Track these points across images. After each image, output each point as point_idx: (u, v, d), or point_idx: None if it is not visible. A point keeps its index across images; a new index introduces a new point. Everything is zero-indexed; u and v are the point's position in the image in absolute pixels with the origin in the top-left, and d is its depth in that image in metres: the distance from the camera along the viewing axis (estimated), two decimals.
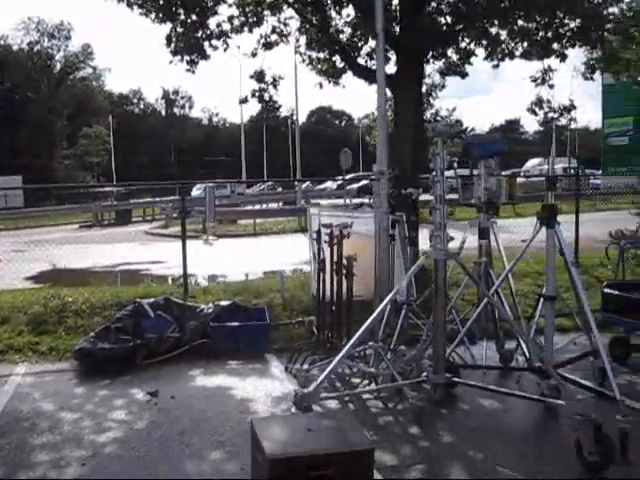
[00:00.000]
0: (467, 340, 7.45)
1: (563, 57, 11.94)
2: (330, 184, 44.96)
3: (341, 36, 12.06)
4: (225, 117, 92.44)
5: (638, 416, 6.12)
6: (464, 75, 14.62)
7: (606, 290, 8.04)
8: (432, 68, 15.42)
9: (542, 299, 6.43)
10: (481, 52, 13.03)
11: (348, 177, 29.03)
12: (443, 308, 5.79)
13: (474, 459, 5.37)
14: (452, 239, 5.77)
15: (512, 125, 70.14)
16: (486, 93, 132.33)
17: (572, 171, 37.22)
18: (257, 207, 33.33)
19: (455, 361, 7.44)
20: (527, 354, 6.63)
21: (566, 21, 11.79)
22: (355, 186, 29.77)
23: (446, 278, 5.88)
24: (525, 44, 12.00)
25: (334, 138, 71.92)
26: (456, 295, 7.27)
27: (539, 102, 13.59)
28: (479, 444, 5.60)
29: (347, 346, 5.87)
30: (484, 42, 12.01)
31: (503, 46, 12.13)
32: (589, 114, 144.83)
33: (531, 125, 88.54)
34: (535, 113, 13.74)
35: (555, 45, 12.27)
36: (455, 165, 5.94)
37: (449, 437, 5.85)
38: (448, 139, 5.91)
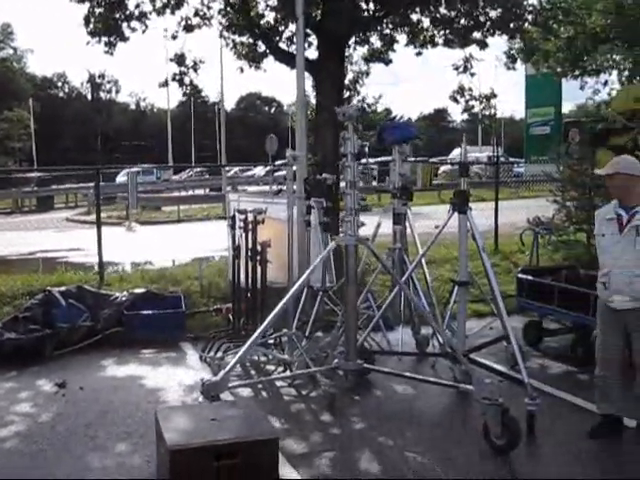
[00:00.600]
0: (383, 326, 7.45)
1: (483, 45, 12.05)
2: (258, 170, 44.64)
3: (262, 20, 11.85)
4: (153, 102, 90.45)
5: (546, 398, 6.26)
6: (387, 62, 14.65)
7: (520, 276, 8.15)
8: (358, 55, 15.46)
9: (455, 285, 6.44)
10: (404, 39, 13.11)
11: (278, 163, 28.63)
12: (354, 294, 5.73)
13: (384, 445, 5.35)
14: (363, 224, 5.70)
15: (440, 114, 71.07)
16: (416, 81, 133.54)
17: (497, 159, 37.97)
18: (182, 193, 32.84)
19: (371, 347, 7.46)
20: (440, 340, 6.63)
21: (487, 10, 11.92)
22: (284, 172, 29.34)
23: (357, 264, 5.82)
24: (447, 32, 12.06)
25: (263, 124, 71.31)
26: (371, 280, 7.24)
27: (461, 90, 13.73)
28: (391, 430, 5.58)
29: (256, 333, 5.76)
30: (406, 29, 12.00)
31: (425, 33, 12.17)
32: (514, 104, 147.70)
33: (459, 114, 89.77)
34: (457, 101, 13.89)
35: (476, 34, 12.39)
36: (366, 150, 5.87)
37: (361, 424, 5.81)
38: (360, 123, 5.77)
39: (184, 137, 60.38)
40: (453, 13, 11.80)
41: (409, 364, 7.29)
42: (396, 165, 6.84)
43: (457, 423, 5.73)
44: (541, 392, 6.40)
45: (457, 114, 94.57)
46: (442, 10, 11.66)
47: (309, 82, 11.85)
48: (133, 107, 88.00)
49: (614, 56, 16.91)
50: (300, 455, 5.15)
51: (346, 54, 15.53)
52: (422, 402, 6.21)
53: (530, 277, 7.99)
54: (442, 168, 39.88)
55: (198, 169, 47.23)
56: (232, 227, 7.85)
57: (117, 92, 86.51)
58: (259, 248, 7.22)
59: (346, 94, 25.10)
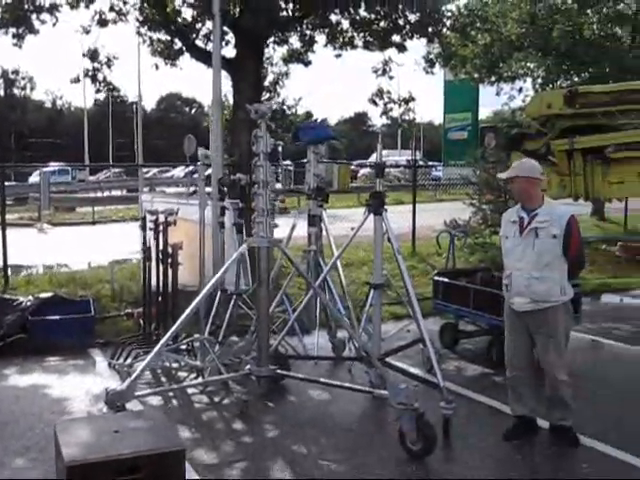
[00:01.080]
0: (299, 330, 7.30)
1: (402, 49, 12.09)
2: (178, 171, 43.89)
3: (179, 16, 11.56)
4: (70, 101, 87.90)
5: (463, 401, 6.24)
6: (307, 63, 14.57)
7: (436, 278, 8.14)
8: (278, 56, 15.32)
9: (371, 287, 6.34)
10: (323, 40, 13.04)
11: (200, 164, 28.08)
12: (266, 298, 5.55)
13: (298, 454, 5.19)
14: (276, 226, 5.53)
15: (361, 117, 71.58)
16: (337, 84, 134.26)
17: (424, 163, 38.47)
18: (98, 194, 31.93)
19: (287, 351, 7.30)
20: (356, 343, 6.51)
21: (406, 13, 11.96)
22: (205, 173, 28.82)
23: (271, 266, 5.65)
24: (366, 34, 12.04)
25: (183, 125, 70.22)
26: (285, 283, 7.07)
27: (380, 93, 13.71)
28: (305, 438, 5.43)
29: (163, 339, 5.53)
30: (325, 30, 11.92)
31: (344, 35, 12.12)
32: (435, 109, 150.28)
33: (379, 118, 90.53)
34: (376, 104, 13.85)
35: (395, 37, 12.43)
36: (280, 150, 5.72)
37: (274, 432, 5.64)
38: (280, 126, 5.62)
39: (102, 137, 58.85)
40: (372, 15, 11.78)
41: (325, 369, 7.17)
42: (311, 166, 6.71)
43: (373, 429, 5.63)
44: (458, 395, 6.40)
45: (377, 118, 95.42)
46: (361, 12, 11.61)
47: (228, 81, 11.66)
48: (49, 105, 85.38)
49: (528, 64, 17.27)
50: (210, 466, 4.95)
51: (266, 54, 15.43)
52: (337, 408, 6.07)
53: (446, 279, 7.99)
54: (362, 171, 40.11)
55: (116, 170, 46.04)
56: (143, 228, 7.56)
57: (32, 89, 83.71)
58: (170, 250, 6.94)
59: (266, 95, 25.01)
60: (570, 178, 10.83)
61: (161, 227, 7.15)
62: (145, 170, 35.78)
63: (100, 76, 12.05)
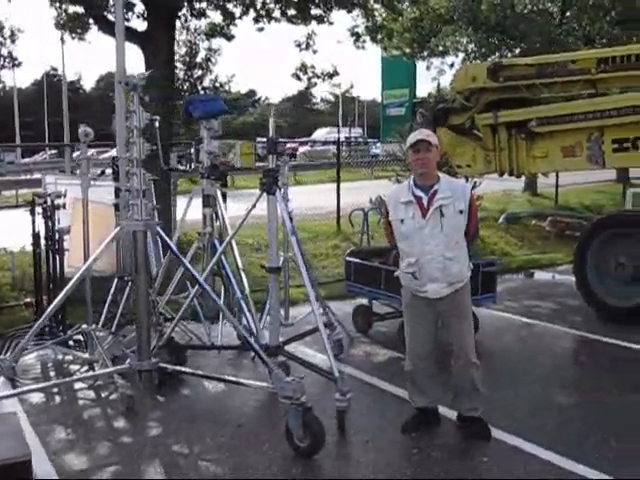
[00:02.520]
0: (203, 317, 6.87)
1: (320, 20, 11.65)
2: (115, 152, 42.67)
3: None
4: (5, 81, 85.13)
5: (366, 390, 5.93)
6: (230, 38, 14.06)
7: (347, 258, 7.79)
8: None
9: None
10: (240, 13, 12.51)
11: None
12: (144, 285, 5.09)
13: (178, 454, 4.79)
14: (156, 208, 5.09)
15: (304, 95, 70.89)
16: (279, 62, 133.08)
17: (355, 140, 38.22)
18: (27, 177, 30.77)
19: (190, 340, 6.91)
20: (255, 331, 6.13)
21: None
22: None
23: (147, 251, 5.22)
24: (283, 5, 11.57)
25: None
26: (179, 269, 6.61)
27: (303, 67, 13.30)
28: (190, 436, 5.02)
29: (31, 331, 5.07)
30: (243, 2, 11.39)
31: (263, 7, 11.63)
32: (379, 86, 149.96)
33: (322, 96, 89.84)
34: (299, 79, 13.44)
35: (315, 10, 12.00)
36: (157, 125, 5.27)
37: (158, 429, 5.24)
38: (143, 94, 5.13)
39: (39, 118, 57.09)
40: None
41: (229, 358, 6.78)
42: (204, 143, 6.25)
43: (264, 425, 5.24)
44: (363, 383, 6.11)
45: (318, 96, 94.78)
46: None
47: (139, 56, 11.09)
48: None
49: (458, 38, 17.01)
50: (78, 471, 4.52)
51: (191, 29, 14.85)
52: (232, 402, 5.68)
53: (357, 260, 7.65)
54: (301, 149, 39.61)
55: (53, 151, 44.56)
56: (32, 213, 7.03)
57: None
58: (57, 236, 6.45)
59: (198, 72, 24.30)
60: (495, 153, 10.61)
61: (48, 211, 6.64)
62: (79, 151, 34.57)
63: (4, 51, 11.39)
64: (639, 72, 9.21)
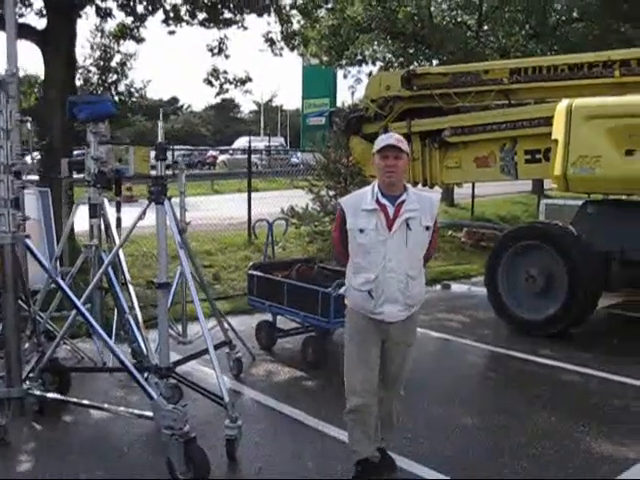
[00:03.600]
0: (98, 335, 6.36)
1: (229, 24, 11.32)
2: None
3: None
4: None
5: (263, 413, 5.58)
6: (139, 40, 13.58)
7: (250, 272, 7.42)
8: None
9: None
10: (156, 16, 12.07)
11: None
12: (13, 304, 4.61)
13: None
14: (25, 219, 4.62)
15: (228, 104, 70.20)
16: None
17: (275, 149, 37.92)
18: None
19: (82, 360, 6.43)
20: (145, 351, 5.68)
21: None
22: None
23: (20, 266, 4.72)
24: (191, 7, 11.17)
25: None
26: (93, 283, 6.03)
27: (215, 72, 12.91)
28: (64, 469, 4.56)
29: None
30: (145, 1, 10.93)
31: (167, 7, 11.20)
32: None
33: (247, 105, 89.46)
34: (211, 84, 13.03)
35: (227, 13, 11.66)
36: (28, 126, 4.81)
37: (29, 464, 4.73)
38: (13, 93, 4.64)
39: None
40: None
41: (120, 379, 6.30)
42: (91, 148, 5.80)
43: (147, 457, 4.78)
44: (260, 405, 5.76)
45: (245, 105, 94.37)
46: None
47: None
48: None
49: (375, 47, 16.90)
50: None
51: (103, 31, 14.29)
52: (115, 429, 5.20)
53: (259, 273, 7.28)
54: (220, 157, 39.07)
55: None
56: None
57: None
58: None
59: (113, 77, 23.57)
60: (409, 163, 10.46)
61: None
62: None
63: None
64: (551, 84, 9.24)
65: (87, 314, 4.94)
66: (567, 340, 7.64)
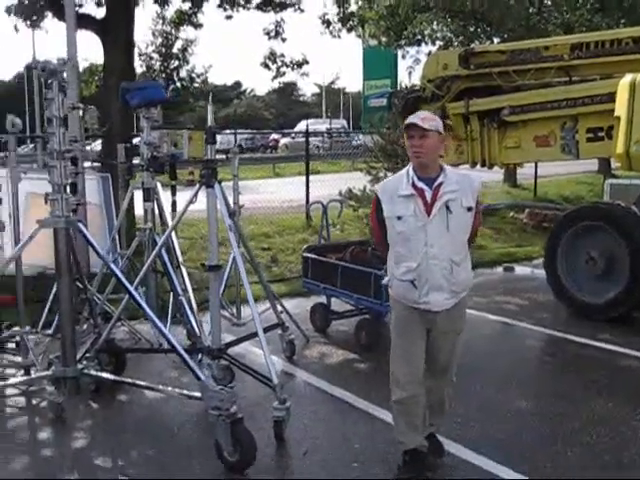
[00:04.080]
0: (152, 317, 6.50)
1: (285, 7, 11.30)
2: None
3: None
4: None
5: (316, 396, 5.60)
6: (197, 26, 13.70)
7: (305, 254, 7.43)
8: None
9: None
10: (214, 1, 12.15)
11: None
12: (68, 287, 4.74)
13: (98, 468, 4.45)
14: (79, 204, 4.73)
15: (290, 87, 70.40)
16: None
17: (337, 131, 37.80)
18: None
19: (138, 342, 6.57)
20: (198, 332, 5.78)
21: None
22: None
23: (73, 249, 4.83)
24: None
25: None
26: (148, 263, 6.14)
27: (272, 56, 12.93)
28: (116, 448, 4.69)
29: None
30: None
31: None
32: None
33: (309, 88, 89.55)
34: (268, 67, 13.06)
35: None
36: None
37: (83, 441, 4.89)
38: (63, 81, 4.71)
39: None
40: None
41: (175, 360, 6.40)
42: (144, 133, 5.88)
43: (198, 435, 4.88)
44: (313, 388, 5.77)
45: (307, 88, 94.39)
46: None
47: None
48: None
49: (434, 26, 16.63)
50: None
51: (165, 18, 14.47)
52: (168, 409, 5.32)
53: (313, 255, 7.29)
54: (282, 140, 39.17)
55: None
56: None
57: None
58: None
59: (175, 63, 23.88)
60: (467, 143, 10.30)
61: None
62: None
63: None
64: (614, 58, 8.93)
65: (138, 297, 5.03)
66: (628, 325, 7.42)
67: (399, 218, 3.95)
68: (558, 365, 6.47)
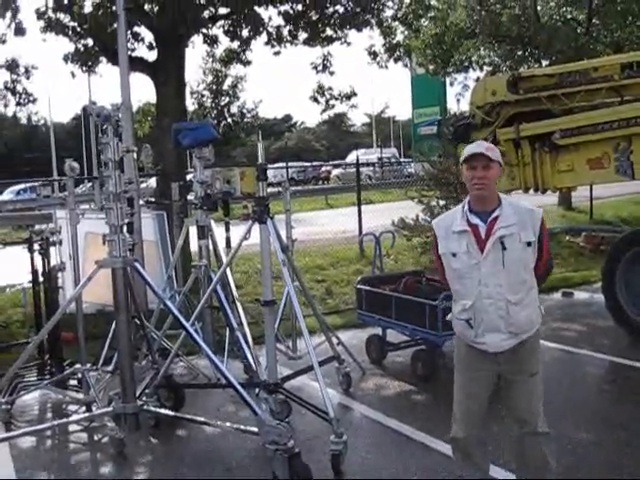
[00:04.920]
0: (208, 352, 6.59)
1: (331, 41, 11.47)
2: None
3: (89, 18, 10.76)
4: (45, 116, 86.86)
5: (373, 427, 5.59)
6: (246, 63, 13.94)
7: (358, 286, 7.46)
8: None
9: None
10: (261, 39, 12.37)
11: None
12: (126, 324, 4.86)
13: None
14: (135, 243, 4.85)
15: (340, 118, 70.97)
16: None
17: (388, 160, 37.88)
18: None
19: (197, 377, 6.64)
20: (254, 367, 5.83)
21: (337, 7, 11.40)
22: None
23: (131, 288, 4.95)
24: (294, 27, 11.40)
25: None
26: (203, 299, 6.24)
27: (320, 89, 13.08)
28: None
29: (8, 373, 4.85)
30: (249, 25, 11.22)
31: (270, 30, 11.47)
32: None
33: (359, 118, 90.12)
34: (317, 101, 13.22)
35: (328, 30, 11.82)
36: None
37: (143, 475, 4.98)
38: (117, 125, 4.86)
39: (78, 152, 58.11)
40: (300, 7, 11.15)
41: (233, 395, 6.46)
42: (196, 172, 6.02)
43: (254, 470, 4.90)
44: (369, 420, 5.76)
45: (357, 118, 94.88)
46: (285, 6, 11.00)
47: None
48: (25, 121, 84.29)
49: (481, 52, 16.64)
50: None
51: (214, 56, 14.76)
52: (227, 443, 5.36)
53: (367, 287, 7.31)
54: (334, 172, 39.43)
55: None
56: (29, 250, 6.87)
57: (5, 106, 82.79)
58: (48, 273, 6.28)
59: (225, 100, 24.37)
60: (519, 168, 10.21)
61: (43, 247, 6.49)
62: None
63: (20, 87, 11.43)
64: None
65: (193, 333, 5.11)
66: None
67: (454, 255, 3.83)
68: (618, 393, 6.32)
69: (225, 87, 24.07)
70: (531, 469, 3.99)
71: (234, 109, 24.36)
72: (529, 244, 3.74)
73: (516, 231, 3.72)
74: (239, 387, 4.77)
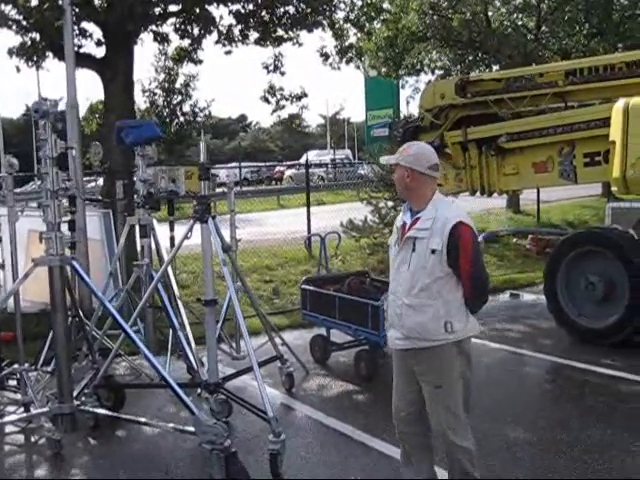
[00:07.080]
0: (147, 352, 6.53)
1: (280, 41, 11.46)
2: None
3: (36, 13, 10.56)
4: None
5: (312, 427, 5.60)
6: (198, 62, 13.82)
7: (303, 286, 7.46)
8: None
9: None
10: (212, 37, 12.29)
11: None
12: (63, 323, 4.79)
13: None
14: (75, 241, 4.79)
15: (294, 119, 70.44)
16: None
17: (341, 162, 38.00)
18: None
19: (140, 376, 6.58)
20: (196, 367, 5.80)
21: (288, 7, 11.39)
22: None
23: (68, 286, 4.89)
24: (244, 27, 11.37)
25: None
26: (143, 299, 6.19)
27: (271, 90, 13.05)
28: None
29: None
30: (200, 24, 11.15)
31: (221, 29, 11.41)
32: None
33: (314, 119, 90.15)
34: (268, 101, 13.18)
35: (279, 30, 11.81)
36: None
37: (80, 477, 4.90)
38: (56, 121, 4.79)
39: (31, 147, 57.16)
40: (251, 6, 11.12)
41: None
42: (139, 170, 5.96)
43: (190, 471, 4.87)
44: (311, 420, 5.77)
45: (312, 119, 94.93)
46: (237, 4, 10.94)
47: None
48: None
49: (432, 55, 16.82)
50: None
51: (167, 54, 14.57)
52: (167, 443, 5.32)
53: (312, 287, 7.32)
54: (287, 172, 39.41)
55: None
56: None
57: None
58: None
59: (178, 98, 24.13)
60: (466, 171, 10.34)
61: None
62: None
63: None
64: (607, 83, 9.00)
65: (131, 333, 5.06)
66: (630, 349, 7.37)
67: (390, 247, 4.04)
68: (557, 392, 6.45)
69: (177, 86, 23.83)
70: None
71: (186, 108, 24.16)
72: (433, 252, 3.68)
73: (427, 236, 3.71)
74: (176, 387, 4.73)
